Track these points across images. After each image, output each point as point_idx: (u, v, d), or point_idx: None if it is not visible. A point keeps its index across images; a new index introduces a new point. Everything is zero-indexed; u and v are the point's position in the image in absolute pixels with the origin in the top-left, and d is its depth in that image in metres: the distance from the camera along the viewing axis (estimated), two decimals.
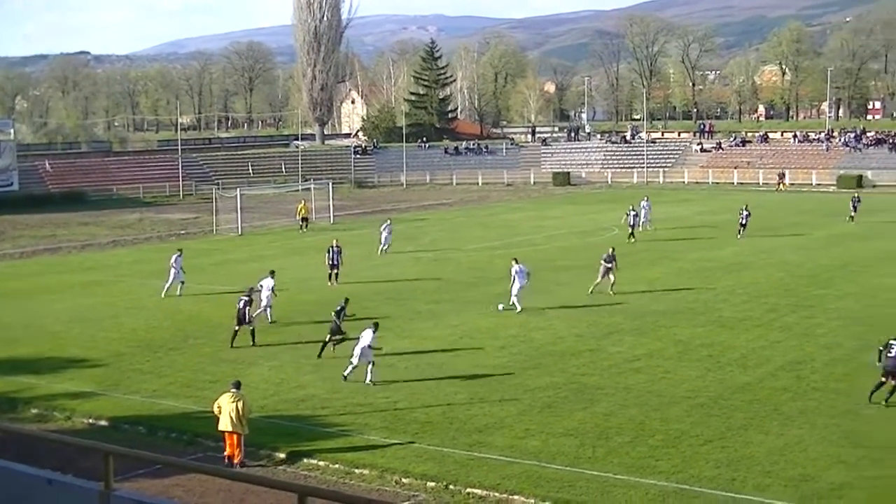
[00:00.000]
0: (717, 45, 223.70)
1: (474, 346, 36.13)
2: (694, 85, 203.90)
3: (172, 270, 47.41)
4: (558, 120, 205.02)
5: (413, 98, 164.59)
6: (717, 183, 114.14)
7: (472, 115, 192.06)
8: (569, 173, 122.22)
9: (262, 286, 40.56)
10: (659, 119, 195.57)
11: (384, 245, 60.70)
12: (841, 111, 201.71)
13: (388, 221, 63.60)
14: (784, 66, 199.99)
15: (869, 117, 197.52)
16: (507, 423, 27.47)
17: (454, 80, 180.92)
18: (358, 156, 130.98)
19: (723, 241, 63.84)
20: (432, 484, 23.43)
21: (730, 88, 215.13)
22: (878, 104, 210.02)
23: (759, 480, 23.13)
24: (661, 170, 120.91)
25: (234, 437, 24.86)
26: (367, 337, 31.30)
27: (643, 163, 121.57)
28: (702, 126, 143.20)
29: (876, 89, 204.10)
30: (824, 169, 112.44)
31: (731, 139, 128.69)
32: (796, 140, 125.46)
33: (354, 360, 31.33)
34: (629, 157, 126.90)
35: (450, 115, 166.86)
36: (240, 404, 24.71)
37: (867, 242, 61.55)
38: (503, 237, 67.83)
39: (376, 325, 32.29)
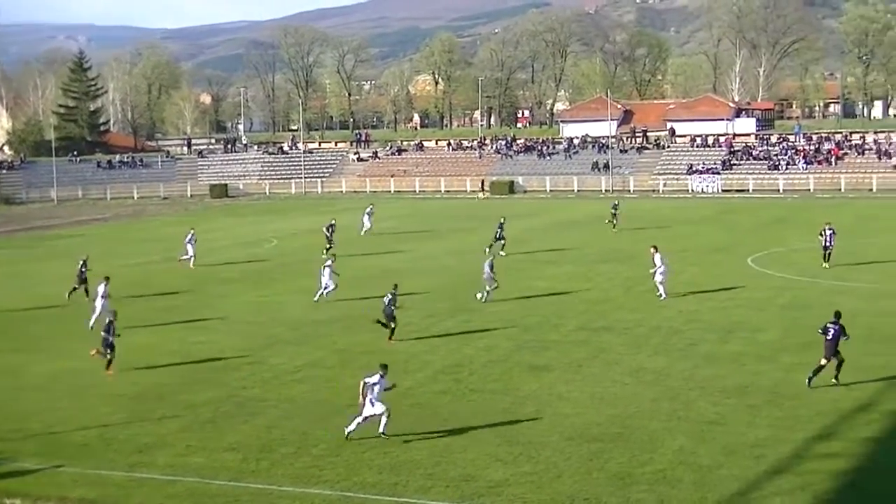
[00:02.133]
0: (372, 55, 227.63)
1: (133, 366, 34.80)
2: (350, 95, 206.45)
3: None
4: (215, 131, 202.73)
5: (62, 111, 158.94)
6: (375, 192, 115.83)
7: (125, 127, 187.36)
8: (226, 185, 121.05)
9: None
10: (316, 129, 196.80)
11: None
12: (492, 119, 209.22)
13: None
14: (437, 76, 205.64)
15: (519, 125, 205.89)
16: (169, 441, 26.64)
17: (105, 92, 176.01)
18: (4, 171, 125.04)
19: (386, 247, 64.63)
20: None
21: (385, 98, 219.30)
22: (526, 112, 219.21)
23: (421, 483, 23.34)
24: (319, 180, 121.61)
25: None
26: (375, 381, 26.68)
27: (301, 173, 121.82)
28: (358, 135, 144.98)
29: (524, 98, 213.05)
30: (478, 176, 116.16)
31: (388, 148, 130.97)
32: (450, 148, 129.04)
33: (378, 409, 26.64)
34: (287, 167, 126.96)
35: (102, 128, 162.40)
36: None
37: (524, 245, 63.74)
38: (161, 251, 66.18)
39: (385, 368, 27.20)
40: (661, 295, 44.25)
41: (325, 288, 45.74)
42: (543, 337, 37.91)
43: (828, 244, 51.10)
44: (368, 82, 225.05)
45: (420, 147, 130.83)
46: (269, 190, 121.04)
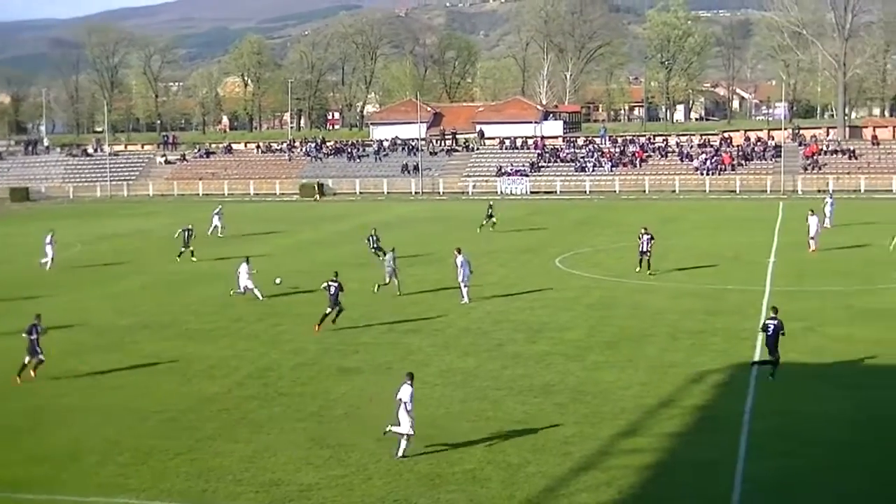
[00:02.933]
0: (179, 56, 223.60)
1: None
2: (157, 96, 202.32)
3: None
4: (15, 133, 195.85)
5: None
6: (183, 195, 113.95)
7: None
8: (27, 188, 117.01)
9: None
10: (122, 131, 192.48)
11: None
12: (302, 121, 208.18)
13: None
14: (246, 78, 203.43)
15: (329, 127, 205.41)
16: None
17: None
18: None
19: (199, 252, 63.46)
20: None
21: (194, 100, 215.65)
22: (337, 114, 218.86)
23: (230, 489, 22.97)
24: (125, 183, 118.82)
25: None
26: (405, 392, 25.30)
27: (106, 176, 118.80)
28: (166, 138, 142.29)
29: (334, 100, 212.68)
30: (287, 178, 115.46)
31: (196, 151, 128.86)
32: (260, 151, 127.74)
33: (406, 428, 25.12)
34: (92, 170, 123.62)
35: None
36: None
37: (332, 247, 63.47)
38: None
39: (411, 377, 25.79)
40: (463, 299, 44.38)
41: (246, 289, 45.96)
42: (353, 339, 37.75)
43: (644, 249, 51.33)
44: (176, 84, 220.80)
45: (229, 149, 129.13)
46: (73, 193, 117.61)
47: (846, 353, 34.56)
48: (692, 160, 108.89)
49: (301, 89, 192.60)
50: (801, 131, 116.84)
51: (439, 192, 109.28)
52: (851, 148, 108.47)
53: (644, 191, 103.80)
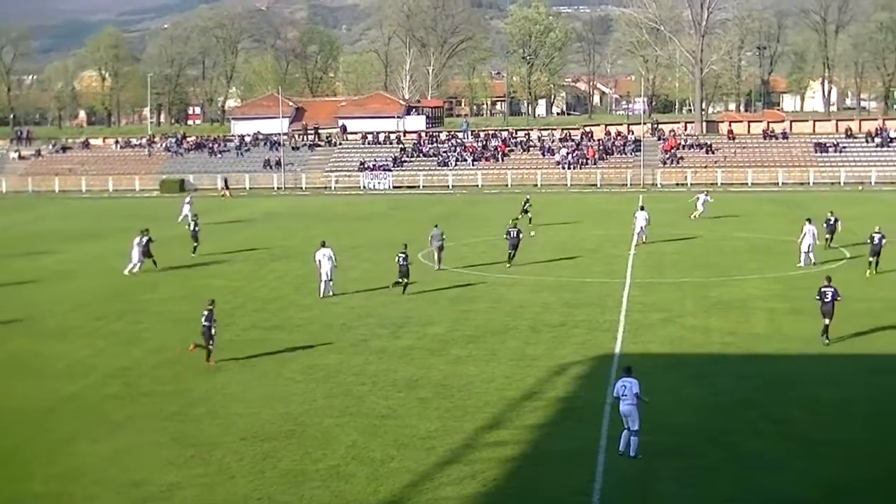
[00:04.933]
0: (33, 48, 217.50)
1: None
2: (9, 90, 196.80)
3: None
4: None
5: None
6: (39, 191, 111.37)
7: None
8: None
9: None
10: None
11: None
12: (162, 117, 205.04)
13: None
14: (104, 72, 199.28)
15: (189, 122, 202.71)
16: None
17: None
18: None
19: (47, 248, 62.08)
20: None
21: (49, 94, 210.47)
22: (197, 109, 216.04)
23: (89, 491, 22.56)
24: None
25: None
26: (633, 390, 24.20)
27: None
28: (19, 133, 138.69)
29: (195, 95, 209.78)
30: (147, 174, 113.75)
31: (52, 146, 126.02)
32: (118, 146, 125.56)
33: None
34: None
35: None
36: None
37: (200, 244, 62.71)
38: None
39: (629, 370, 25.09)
40: (329, 293, 44.38)
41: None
42: (216, 337, 37.22)
43: (514, 241, 51.87)
44: (29, 77, 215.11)
45: (86, 145, 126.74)
46: None
47: (703, 343, 35.40)
48: (554, 154, 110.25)
49: (161, 84, 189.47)
50: (660, 126, 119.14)
51: (302, 188, 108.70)
52: (708, 142, 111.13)
53: (506, 185, 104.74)
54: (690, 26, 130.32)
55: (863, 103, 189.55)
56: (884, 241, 48.10)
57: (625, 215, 74.51)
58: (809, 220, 51.03)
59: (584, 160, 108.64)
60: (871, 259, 48.15)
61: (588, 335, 36.61)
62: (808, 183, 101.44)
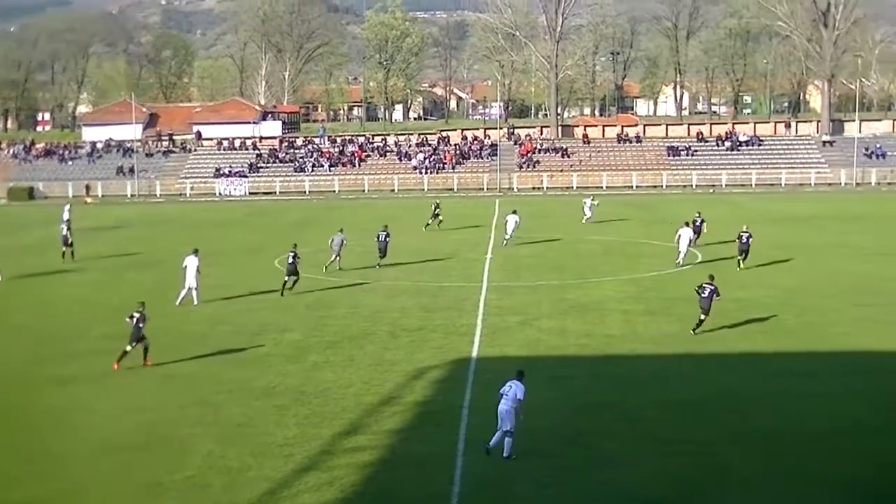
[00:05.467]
0: None
1: None
2: None
3: None
4: None
5: None
6: None
7: None
8: None
9: None
10: None
11: None
12: (9, 122, 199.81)
13: None
14: None
15: (39, 129, 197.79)
16: None
17: None
18: None
19: None
20: None
21: None
22: (47, 115, 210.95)
23: None
24: None
25: None
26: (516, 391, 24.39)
27: None
28: None
29: (44, 100, 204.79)
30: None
31: None
32: None
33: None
34: None
35: None
36: None
37: (42, 254, 61.16)
38: None
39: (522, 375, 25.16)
40: (194, 301, 43.81)
41: None
42: (68, 347, 36.42)
43: (382, 244, 53.08)
44: None
45: None
46: None
47: (559, 345, 35.80)
48: (411, 159, 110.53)
49: (7, 88, 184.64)
50: (516, 130, 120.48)
51: (156, 195, 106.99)
52: (564, 146, 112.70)
53: (363, 190, 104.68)
54: (546, 32, 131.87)
55: (713, 108, 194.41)
56: (750, 239, 51.05)
57: (481, 219, 75.28)
58: (687, 224, 53.65)
59: (441, 165, 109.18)
60: (739, 257, 51.25)
61: (446, 339, 36.72)
62: (662, 186, 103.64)
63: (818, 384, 30.59)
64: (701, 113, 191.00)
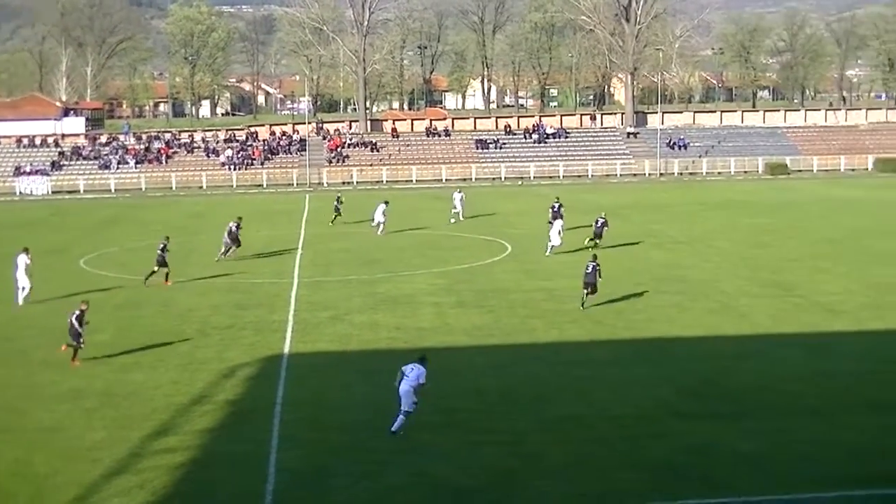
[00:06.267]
0: None
1: None
2: None
3: None
4: None
5: None
6: None
7: None
8: None
9: None
10: None
11: None
12: None
13: None
14: None
15: None
16: None
17: None
18: None
19: None
20: None
21: None
22: None
23: None
24: None
25: None
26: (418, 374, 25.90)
27: None
28: None
29: None
30: None
31: None
32: None
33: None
34: None
35: None
36: None
37: None
38: None
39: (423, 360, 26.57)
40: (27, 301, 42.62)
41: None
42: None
43: (228, 243, 53.64)
44: None
45: None
46: None
47: (371, 339, 35.96)
48: (219, 155, 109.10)
49: None
50: (325, 125, 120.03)
51: None
52: (373, 140, 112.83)
53: (171, 187, 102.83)
54: (353, 26, 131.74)
55: (521, 101, 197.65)
56: (605, 226, 55.80)
57: (292, 215, 74.96)
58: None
59: (250, 161, 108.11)
60: (592, 239, 54.99)
61: (257, 336, 36.48)
62: (471, 179, 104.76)
63: (625, 371, 31.51)
64: (509, 106, 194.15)
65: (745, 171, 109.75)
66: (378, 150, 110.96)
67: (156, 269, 46.87)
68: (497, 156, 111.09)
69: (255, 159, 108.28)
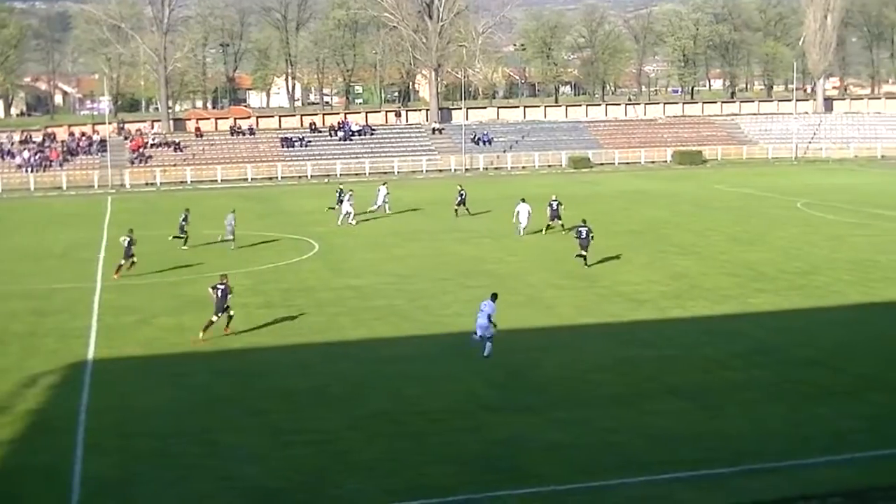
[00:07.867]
0: None
1: None
2: None
3: None
4: None
5: None
6: None
7: None
8: None
9: None
10: None
11: None
12: None
13: None
14: None
15: None
16: None
17: None
18: None
19: None
20: None
21: None
22: None
23: None
24: None
25: None
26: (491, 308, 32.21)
27: None
28: None
29: None
30: None
31: None
32: None
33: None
34: None
35: None
36: None
37: None
38: None
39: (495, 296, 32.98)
40: None
41: None
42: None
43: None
44: None
45: None
46: None
47: (178, 342, 35.42)
48: (14, 157, 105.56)
49: None
50: (127, 125, 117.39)
51: None
52: (177, 140, 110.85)
53: None
54: (153, 24, 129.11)
55: (326, 98, 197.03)
56: (560, 205, 59.19)
57: (93, 218, 73.04)
58: (523, 200, 60.49)
59: (48, 163, 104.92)
60: (549, 223, 58.90)
61: (59, 343, 35.53)
62: (277, 177, 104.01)
63: (434, 365, 31.85)
64: (314, 104, 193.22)
65: (550, 165, 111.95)
66: (182, 150, 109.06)
67: (123, 261, 46.34)
68: (303, 154, 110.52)
69: (53, 161, 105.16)
